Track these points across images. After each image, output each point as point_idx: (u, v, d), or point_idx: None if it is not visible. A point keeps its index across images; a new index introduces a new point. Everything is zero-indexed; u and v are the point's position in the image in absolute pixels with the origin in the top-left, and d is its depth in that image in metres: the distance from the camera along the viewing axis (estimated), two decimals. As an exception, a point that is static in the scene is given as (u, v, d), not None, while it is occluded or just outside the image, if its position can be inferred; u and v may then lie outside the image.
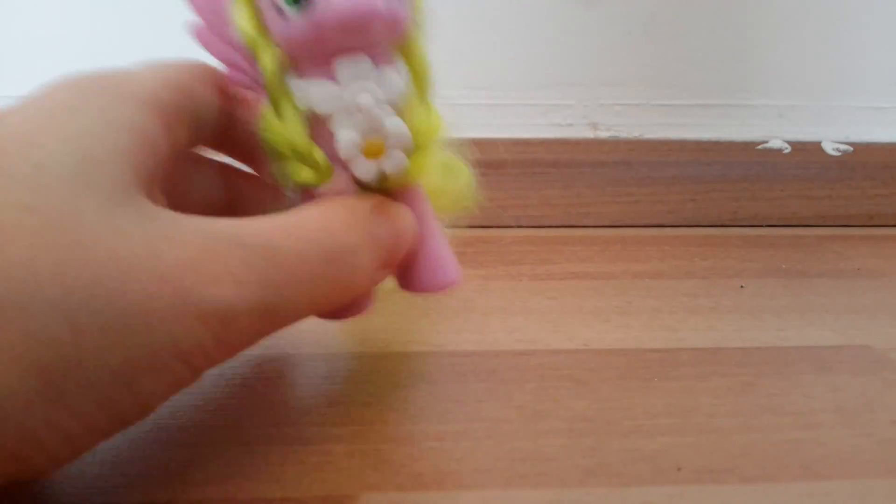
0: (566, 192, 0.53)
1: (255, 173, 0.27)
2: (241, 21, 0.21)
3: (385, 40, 0.21)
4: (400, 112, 0.22)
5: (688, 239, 0.49)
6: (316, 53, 0.21)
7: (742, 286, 0.39)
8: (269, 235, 0.19)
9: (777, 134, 0.55)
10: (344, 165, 0.22)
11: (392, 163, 0.22)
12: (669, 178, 0.53)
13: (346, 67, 0.21)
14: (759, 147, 0.55)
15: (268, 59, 0.21)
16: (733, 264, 0.43)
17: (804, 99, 0.56)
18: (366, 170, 0.21)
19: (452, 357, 0.29)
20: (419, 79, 0.22)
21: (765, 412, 0.24)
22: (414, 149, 0.22)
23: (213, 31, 0.23)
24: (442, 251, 0.25)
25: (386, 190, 0.23)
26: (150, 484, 0.20)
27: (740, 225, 0.54)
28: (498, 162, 0.48)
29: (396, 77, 0.21)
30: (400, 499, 0.19)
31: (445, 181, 0.24)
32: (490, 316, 0.34)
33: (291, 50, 0.21)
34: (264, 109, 0.22)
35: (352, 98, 0.21)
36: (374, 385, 0.26)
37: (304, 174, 0.22)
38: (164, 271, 0.17)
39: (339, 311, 0.23)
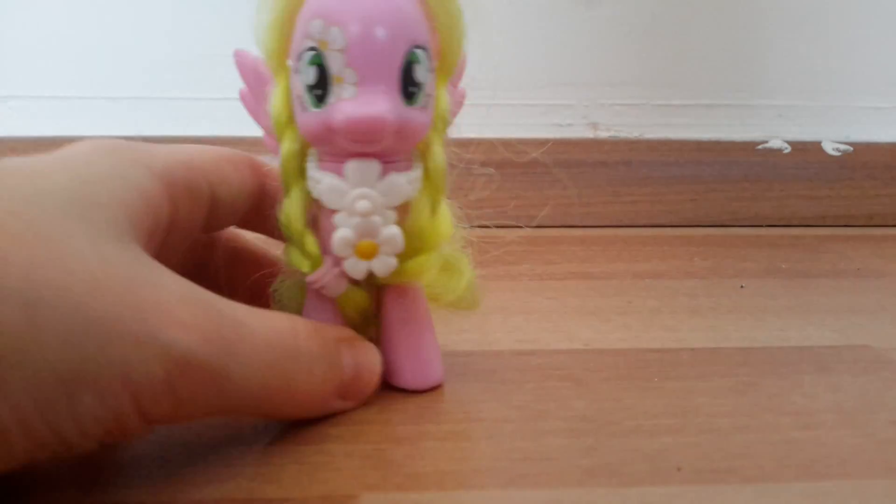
0: (566, 192, 0.53)
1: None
2: (275, 101, 0.22)
3: (399, 146, 0.22)
4: (404, 213, 0.23)
5: (688, 239, 0.49)
6: (331, 150, 0.22)
7: (742, 286, 0.39)
8: (243, 313, 0.20)
9: (777, 134, 0.55)
10: (337, 259, 0.23)
11: (382, 265, 0.23)
12: (669, 178, 0.53)
13: (354, 170, 0.22)
14: (759, 147, 0.55)
15: (287, 143, 0.22)
16: (733, 264, 0.43)
17: (804, 99, 0.56)
18: (356, 269, 0.23)
19: (452, 357, 0.29)
20: (432, 184, 0.23)
21: (765, 412, 0.24)
22: (413, 251, 0.23)
23: (256, 97, 0.24)
24: (430, 352, 0.26)
25: (377, 284, 0.24)
26: (150, 484, 0.20)
27: (740, 225, 0.54)
28: (498, 162, 0.48)
29: (404, 183, 0.22)
30: (400, 499, 0.19)
31: (446, 281, 0.25)
32: (490, 316, 0.34)
33: (310, 140, 0.22)
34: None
35: (352, 202, 0.22)
36: (374, 385, 0.26)
37: (296, 259, 0.23)
38: (137, 302, 0.17)
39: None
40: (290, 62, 0.22)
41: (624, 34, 0.53)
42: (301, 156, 0.23)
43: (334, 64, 0.20)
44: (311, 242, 0.23)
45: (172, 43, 0.50)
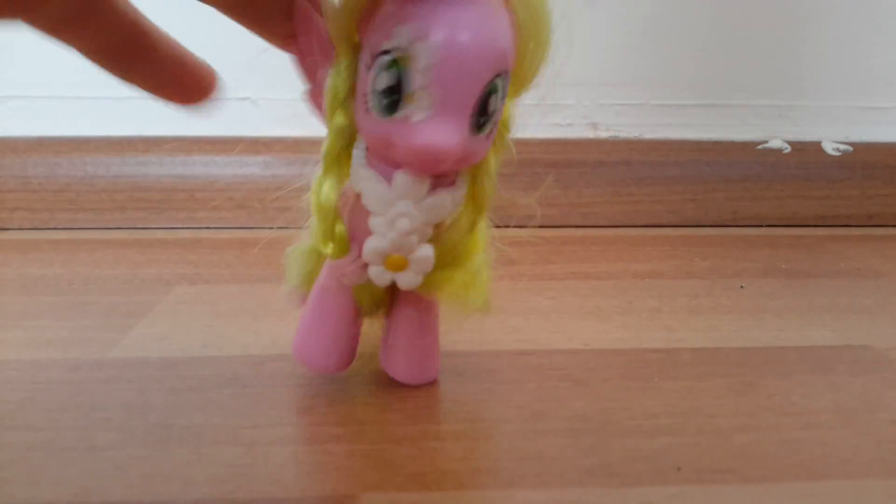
0: (566, 192, 0.53)
1: None
2: (334, 77, 0.21)
3: (457, 168, 0.22)
4: (442, 225, 0.22)
5: (688, 239, 0.49)
6: (385, 156, 0.21)
7: (742, 286, 0.39)
8: None
9: (777, 134, 0.55)
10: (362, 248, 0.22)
11: (407, 281, 0.22)
12: (669, 178, 0.53)
13: (403, 183, 0.21)
14: (759, 147, 0.55)
15: (337, 119, 0.21)
16: (733, 264, 0.43)
17: (804, 99, 0.56)
18: (381, 278, 0.22)
19: (452, 357, 0.29)
20: (477, 204, 0.23)
21: (765, 412, 0.24)
22: (443, 263, 0.23)
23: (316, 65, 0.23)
24: (429, 353, 0.26)
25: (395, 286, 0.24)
26: (151, 484, 0.20)
27: (740, 225, 0.54)
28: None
29: (448, 202, 0.22)
30: (400, 499, 0.19)
31: (466, 294, 0.24)
32: (490, 316, 0.34)
33: (367, 142, 0.21)
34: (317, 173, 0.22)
35: (393, 217, 0.21)
36: (374, 385, 0.26)
37: (323, 243, 0.22)
38: None
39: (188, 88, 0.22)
40: (364, 57, 0.20)
41: (624, 34, 0.53)
42: (348, 137, 0.22)
43: (413, 81, 0.19)
44: (341, 229, 0.22)
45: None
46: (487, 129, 0.20)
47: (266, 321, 0.32)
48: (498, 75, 0.20)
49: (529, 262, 0.43)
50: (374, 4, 0.20)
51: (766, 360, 0.29)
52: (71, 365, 0.28)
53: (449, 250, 0.23)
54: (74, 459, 0.21)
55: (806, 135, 0.55)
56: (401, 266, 0.22)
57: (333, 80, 0.21)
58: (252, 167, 0.50)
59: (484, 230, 0.24)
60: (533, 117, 0.54)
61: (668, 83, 0.54)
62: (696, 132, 0.55)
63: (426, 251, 0.22)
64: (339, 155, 0.22)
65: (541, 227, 0.52)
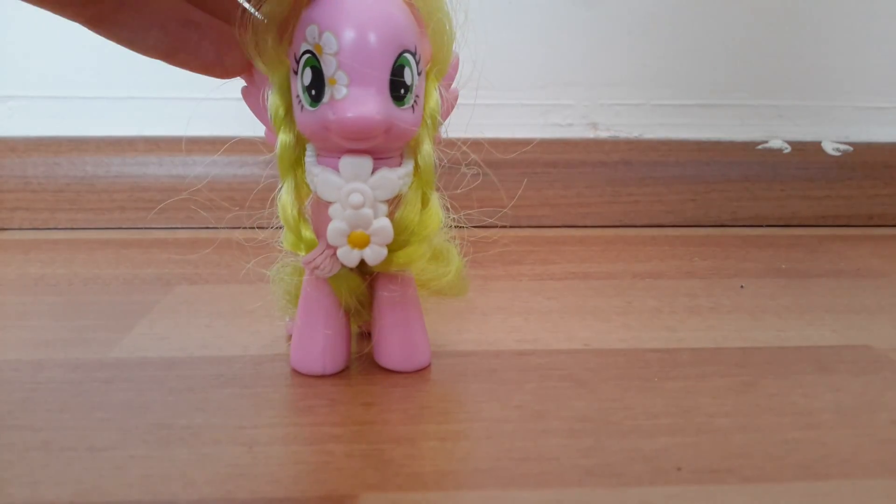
0: (566, 192, 0.53)
1: None
2: (272, 97, 0.24)
3: (390, 144, 0.24)
4: (395, 206, 0.24)
5: (688, 239, 0.49)
6: (327, 146, 0.24)
7: (742, 286, 0.39)
8: None
9: (777, 134, 0.55)
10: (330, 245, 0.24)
11: (373, 254, 0.24)
12: (669, 178, 0.53)
13: (347, 165, 0.23)
14: (759, 147, 0.55)
15: (282, 135, 0.24)
16: (733, 264, 0.43)
17: (804, 99, 0.56)
18: (348, 257, 0.24)
19: (452, 357, 0.29)
20: (422, 179, 0.25)
21: (765, 412, 0.24)
22: (404, 241, 0.25)
23: (260, 97, 0.25)
24: (417, 336, 0.27)
25: (370, 272, 0.26)
26: (151, 484, 0.20)
27: (740, 225, 0.54)
28: (498, 162, 0.48)
29: (395, 179, 0.24)
30: (400, 499, 0.19)
31: (435, 268, 0.26)
32: (490, 316, 0.34)
33: (308, 137, 0.24)
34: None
35: (346, 195, 0.23)
36: (374, 385, 0.26)
37: (292, 243, 0.25)
38: None
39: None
40: (291, 64, 0.23)
41: (624, 34, 0.53)
42: (296, 148, 0.24)
43: (328, 67, 0.22)
44: (305, 228, 0.24)
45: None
46: (410, 101, 0.23)
47: (266, 321, 0.32)
48: (405, 51, 0.22)
49: (529, 262, 0.43)
50: (292, 24, 0.23)
51: (766, 360, 0.29)
52: (71, 365, 0.28)
53: (407, 228, 0.24)
54: (74, 459, 0.21)
55: (806, 135, 0.55)
56: (363, 241, 0.24)
57: (272, 100, 0.24)
58: (252, 167, 0.50)
59: (438, 209, 0.25)
60: (533, 117, 0.54)
61: (668, 83, 0.54)
62: (696, 132, 0.55)
63: (382, 222, 0.24)
64: (291, 164, 0.24)
65: (541, 227, 0.52)
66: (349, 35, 0.21)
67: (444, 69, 0.25)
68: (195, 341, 0.30)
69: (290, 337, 0.29)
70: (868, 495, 0.20)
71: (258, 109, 0.25)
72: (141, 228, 0.50)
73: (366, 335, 0.29)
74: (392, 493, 0.20)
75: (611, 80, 0.54)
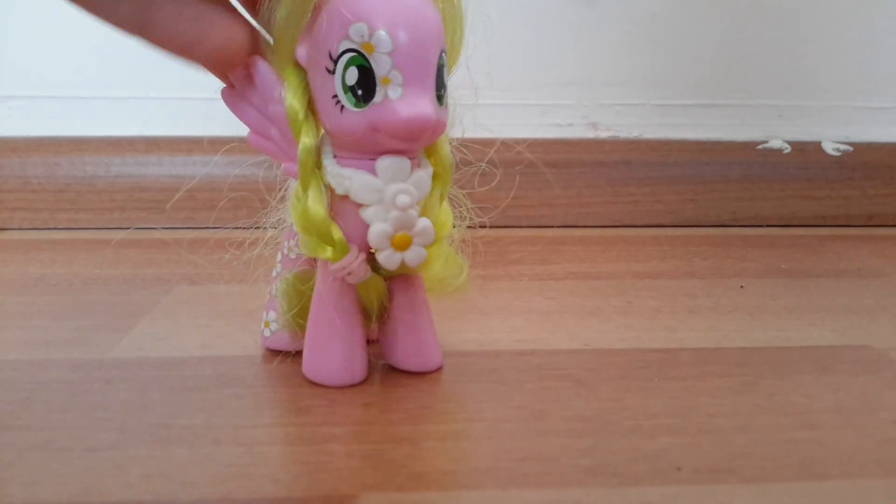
0: (566, 192, 0.53)
1: None
2: (292, 100, 0.23)
3: (429, 143, 0.24)
4: (422, 208, 0.24)
5: (688, 239, 0.49)
6: (364, 147, 0.23)
7: (742, 286, 0.39)
8: None
9: (777, 134, 0.55)
10: (360, 245, 0.24)
11: (415, 256, 0.24)
12: (669, 178, 0.53)
13: (388, 167, 0.23)
14: (759, 147, 0.55)
15: (307, 139, 0.23)
16: (733, 264, 0.43)
17: (804, 99, 0.56)
18: (391, 260, 0.23)
19: (452, 357, 0.29)
20: (441, 178, 0.25)
21: (765, 412, 0.24)
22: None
23: (244, 97, 0.24)
24: (429, 338, 0.27)
25: (390, 275, 0.25)
26: (151, 484, 0.20)
27: (740, 225, 0.54)
28: (498, 162, 0.48)
29: (426, 178, 0.24)
30: (400, 499, 0.19)
31: (445, 272, 0.25)
32: (490, 316, 0.34)
33: (340, 138, 0.23)
34: (296, 186, 0.24)
35: (392, 197, 0.23)
36: (374, 385, 0.26)
37: (317, 248, 0.23)
38: None
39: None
40: (316, 63, 0.22)
41: (624, 34, 0.53)
42: (316, 153, 0.24)
43: (381, 66, 0.21)
44: (337, 232, 0.23)
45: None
46: (445, 101, 0.23)
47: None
48: (442, 51, 0.22)
49: (529, 262, 0.43)
50: (311, 23, 0.22)
51: (766, 360, 0.29)
52: (71, 365, 0.28)
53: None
54: (74, 459, 0.21)
55: (806, 135, 0.55)
56: (406, 244, 0.23)
57: (290, 101, 0.23)
58: (252, 167, 0.50)
59: (448, 208, 0.25)
60: (533, 117, 0.54)
61: (668, 83, 0.54)
62: (696, 132, 0.55)
63: (425, 222, 0.23)
64: (313, 168, 0.23)
65: (541, 227, 0.52)
66: (404, 34, 0.21)
67: (453, 64, 0.25)
68: (195, 341, 0.30)
69: (273, 351, 0.28)
70: (868, 495, 0.20)
71: (242, 112, 0.25)
72: (141, 228, 0.50)
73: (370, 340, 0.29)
74: (392, 493, 0.20)
75: (611, 80, 0.54)
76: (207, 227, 0.49)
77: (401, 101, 0.21)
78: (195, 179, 0.49)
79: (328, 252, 0.23)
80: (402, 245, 0.23)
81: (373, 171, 0.23)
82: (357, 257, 0.23)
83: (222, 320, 0.33)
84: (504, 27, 0.52)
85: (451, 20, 0.23)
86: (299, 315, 0.26)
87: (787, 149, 0.55)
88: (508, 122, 0.54)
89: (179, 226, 0.50)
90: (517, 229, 0.51)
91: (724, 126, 0.55)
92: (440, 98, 0.23)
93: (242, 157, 0.52)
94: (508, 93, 0.53)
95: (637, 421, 0.24)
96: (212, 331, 0.31)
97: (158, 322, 0.33)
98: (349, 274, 0.23)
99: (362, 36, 0.21)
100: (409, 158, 0.23)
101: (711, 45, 0.54)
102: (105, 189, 0.51)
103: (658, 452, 0.22)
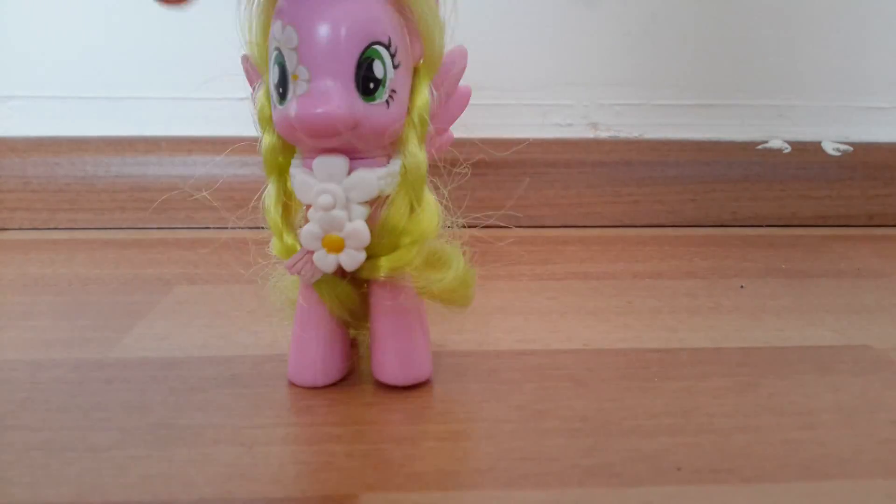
0: (566, 192, 0.52)
1: None
2: (258, 97, 0.23)
3: (364, 142, 0.22)
4: (380, 208, 0.23)
5: (688, 239, 0.49)
6: (301, 145, 0.23)
7: (742, 286, 0.39)
8: None
9: (777, 134, 0.55)
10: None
11: (349, 259, 0.23)
12: (669, 178, 0.53)
13: (321, 165, 0.22)
14: (759, 147, 0.55)
15: (266, 136, 0.23)
16: (733, 264, 0.43)
17: (804, 99, 0.55)
18: (324, 262, 0.23)
19: (453, 357, 0.29)
20: (408, 181, 0.23)
21: (765, 412, 0.24)
22: (392, 245, 0.23)
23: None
24: (415, 347, 0.25)
25: (360, 279, 0.24)
26: (151, 484, 0.20)
27: (740, 225, 0.54)
28: (498, 162, 0.48)
29: (373, 179, 0.22)
30: (400, 499, 0.19)
31: (430, 273, 0.24)
32: (490, 316, 0.34)
33: (283, 136, 0.23)
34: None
35: (315, 197, 0.22)
36: (374, 385, 0.26)
37: (276, 247, 0.24)
38: None
39: None
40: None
41: (624, 34, 0.53)
42: (280, 150, 0.24)
43: (290, 62, 0.21)
44: (287, 232, 0.24)
45: (173, 43, 0.50)
46: (383, 96, 0.22)
47: (266, 321, 0.32)
48: (374, 43, 0.21)
49: (529, 262, 0.43)
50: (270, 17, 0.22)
51: (766, 360, 0.29)
52: (71, 365, 0.28)
53: (393, 231, 0.23)
54: (74, 459, 0.21)
55: (806, 135, 0.55)
56: (338, 245, 0.23)
57: (259, 98, 0.23)
58: (251, 167, 0.50)
59: (434, 212, 0.23)
60: (533, 117, 0.54)
61: (668, 83, 0.54)
62: (696, 132, 0.55)
63: (355, 224, 0.22)
64: (275, 166, 0.24)
65: (541, 227, 0.52)
66: (308, 28, 0.21)
67: (435, 65, 0.23)
68: (195, 341, 0.30)
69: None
70: (868, 495, 0.20)
71: (253, 77, 0.25)
72: (141, 228, 0.50)
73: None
74: (392, 493, 0.20)
75: (611, 80, 0.54)
76: (207, 228, 0.49)
77: (301, 97, 0.21)
78: (195, 179, 0.49)
79: (283, 253, 0.24)
80: (333, 246, 0.22)
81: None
82: (302, 256, 0.23)
83: (222, 320, 0.33)
84: (504, 27, 0.52)
85: (415, 8, 0.22)
86: (293, 310, 0.26)
87: (787, 149, 0.55)
88: (508, 122, 0.54)
89: (179, 226, 0.50)
90: (517, 229, 0.51)
91: (724, 126, 0.55)
92: (371, 93, 0.21)
93: (242, 157, 0.52)
94: (508, 93, 0.53)
95: (637, 421, 0.24)
96: (212, 331, 0.31)
97: (158, 322, 0.33)
98: (297, 273, 0.23)
99: (279, 33, 0.21)
100: (357, 157, 0.22)
101: (711, 45, 0.54)
102: (105, 189, 0.50)
103: (658, 452, 0.22)
